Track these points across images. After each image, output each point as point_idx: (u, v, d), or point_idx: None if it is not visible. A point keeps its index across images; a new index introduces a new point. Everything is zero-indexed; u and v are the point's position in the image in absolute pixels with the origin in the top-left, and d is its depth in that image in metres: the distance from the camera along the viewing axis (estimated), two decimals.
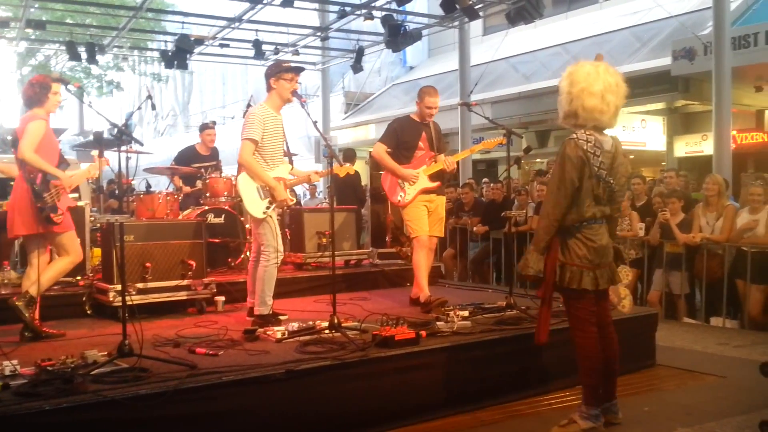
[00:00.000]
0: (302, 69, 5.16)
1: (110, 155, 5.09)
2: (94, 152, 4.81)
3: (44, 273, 4.65)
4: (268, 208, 4.94)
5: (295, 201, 5.20)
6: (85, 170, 4.92)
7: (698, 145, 14.09)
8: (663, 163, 14.90)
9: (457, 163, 6.11)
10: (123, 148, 5.06)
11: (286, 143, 5.25)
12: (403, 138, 5.67)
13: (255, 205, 4.93)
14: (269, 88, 5.05)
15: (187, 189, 7.48)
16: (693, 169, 12.40)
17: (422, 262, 5.68)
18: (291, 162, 5.28)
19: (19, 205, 4.56)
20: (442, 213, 5.90)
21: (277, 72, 5.01)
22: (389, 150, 5.67)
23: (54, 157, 4.67)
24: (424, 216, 5.67)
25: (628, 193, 8.05)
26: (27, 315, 4.50)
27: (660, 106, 13.96)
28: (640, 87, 13.15)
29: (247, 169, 4.96)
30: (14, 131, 4.69)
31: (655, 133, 15.13)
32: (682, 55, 11.81)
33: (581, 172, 3.57)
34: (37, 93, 4.64)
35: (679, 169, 10.74)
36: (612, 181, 3.65)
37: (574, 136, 3.67)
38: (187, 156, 7.81)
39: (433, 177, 5.69)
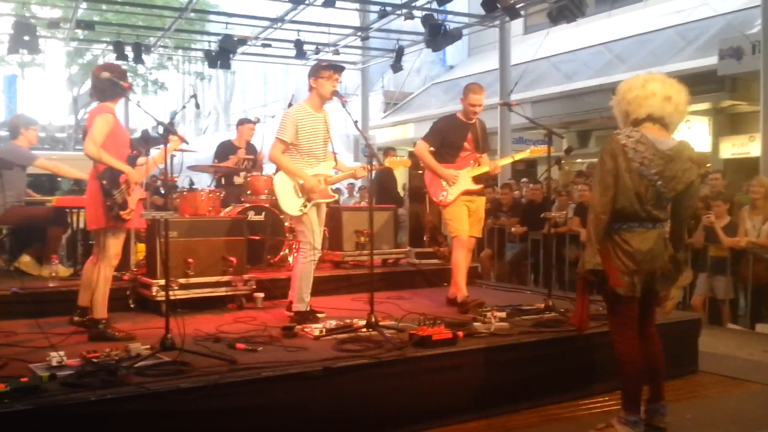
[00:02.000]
0: (342, 68, 5.20)
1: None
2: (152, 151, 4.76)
3: (94, 293, 4.54)
4: (305, 206, 4.97)
5: (336, 198, 5.21)
6: (152, 159, 4.77)
7: (745, 146, 13.73)
8: (708, 165, 14.58)
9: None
10: (170, 149, 5.15)
11: (332, 143, 5.31)
12: (449, 138, 5.69)
13: (291, 203, 4.98)
14: (310, 88, 5.12)
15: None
16: (739, 171, 12.10)
17: (461, 262, 5.70)
18: (335, 159, 5.29)
19: (90, 200, 4.52)
20: (482, 214, 5.91)
21: (317, 70, 5.06)
22: (432, 149, 5.69)
23: (123, 150, 4.57)
24: (465, 216, 5.69)
25: None
26: (109, 332, 4.47)
27: (705, 106, 13.64)
28: (685, 86, 12.90)
29: (278, 166, 5.06)
30: (84, 125, 4.67)
31: (700, 134, 14.79)
32: (729, 54, 11.53)
33: (615, 163, 3.51)
34: (110, 81, 4.45)
35: (725, 171, 10.50)
36: (659, 182, 3.52)
37: (617, 130, 3.64)
38: (225, 150, 7.94)
39: (476, 179, 5.71)
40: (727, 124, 14.46)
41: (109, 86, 4.47)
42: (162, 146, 4.27)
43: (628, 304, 3.61)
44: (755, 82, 10.57)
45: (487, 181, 5.93)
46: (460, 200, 5.66)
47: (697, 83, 12.65)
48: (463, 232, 5.68)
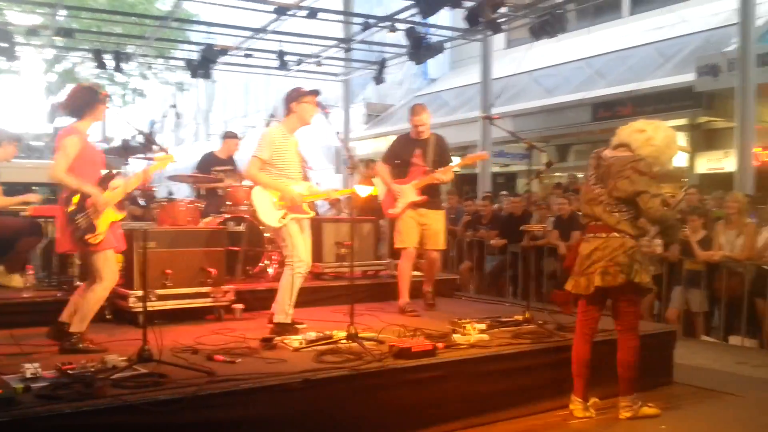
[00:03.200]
0: (319, 92, 5.31)
1: (135, 163, 5.13)
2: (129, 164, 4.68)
3: (81, 308, 4.44)
4: (284, 217, 5.00)
5: (312, 214, 5.25)
6: (125, 183, 4.65)
7: (719, 162, 13.97)
8: (684, 180, 14.79)
9: (456, 173, 6.30)
10: (148, 155, 5.12)
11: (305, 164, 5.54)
12: (400, 154, 6.17)
13: (269, 214, 5.03)
14: (289, 112, 5.18)
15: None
16: (714, 187, 12.29)
17: (405, 272, 6.12)
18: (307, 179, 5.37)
19: (59, 224, 4.47)
20: (438, 226, 6.13)
21: (300, 96, 5.14)
22: (388, 165, 6.16)
23: (93, 172, 4.48)
24: (412, 228, 6.05)
25: None
26: (81, 346, 4.38)
27: (683, 121, 13.85)
28: (663, 103, 13.08)
29: (255, 183, 5.14)
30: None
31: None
32: (706, 71, 11.73)
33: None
34: (85, 100, 4.42)
35: (701, 186, 10.66)
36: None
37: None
38: (207, 162, 7.91)
39: (422, 191, 5.99)
40: (703, 139, 14.69)
41: (86, 104, 4.42)
42: (144, 158, 4.24)
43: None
44: (731, 98, 10.76)
45: (437, 192, 6.19)
46: (408, 214, 6.00)
47: (675, 99, 12.89)
48: (409, 244, 6.04)
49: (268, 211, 5.03)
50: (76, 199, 4.34)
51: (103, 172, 4.59)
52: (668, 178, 15.16)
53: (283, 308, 5.01)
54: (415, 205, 6.01)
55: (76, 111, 4.47)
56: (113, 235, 4.52)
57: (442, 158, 6.09)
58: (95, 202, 4.36)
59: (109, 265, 4.49)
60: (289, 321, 5.02)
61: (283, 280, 5.03)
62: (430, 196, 6.08)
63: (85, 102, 4.44)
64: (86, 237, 4.32)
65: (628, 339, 4.27)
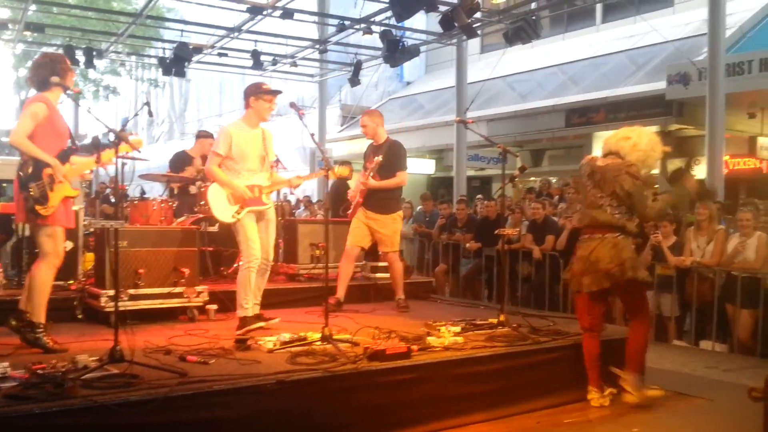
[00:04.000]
0: (280, 92, 5.36)
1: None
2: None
3: (32, 295, 4.29)
4: (238, 213, 5.07)
5: (269, 205, 5.27)
6: (88, 161, 4.57)
7: (691, 169, 14.21)
8: (656, 186, 14.99)
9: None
10: (120, 153, 5.04)
11: (277, 157, 5.63)
12: (365, 158, 6.47)
13: (223, 210, 5.11)
14: (247, 106, 5.24)
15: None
16: None
17: (342, 269, 6.32)
18: (272, 172, 5.38)
19: (15, 191, 4.32)
20: (385, 230, 6.29)
21: (258, 93, 5.20)
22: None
23: (57, 143, 4.33)
24: (355, 229, 6.34)
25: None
26: (43, 341, 4.25)
27: (654, 129, 14.01)
28: (634, 110, 13.29)
29: (212, 179, 5.24)
30: None
31: None
32: (676, 79, 11.95)
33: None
34: (49, 70, 4.29)
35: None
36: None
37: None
38: (179, 161, 7.82)
39: (363, 195, 6.32)
40: (674, 147, 14.93)
41: (52, 74, 4.29)
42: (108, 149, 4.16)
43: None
44: (701, 107, 10.97)
45: (380, 196, 6.33)
46: (357, 215, 6.36)
47: (646, 107, 13.10)
48: (349, 243, 6.33)
49: (222, 206, 5.12)
50: (31, 166, 4.20)
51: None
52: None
53: (241, 303, 5.07)
54: (360, 207, 6.31)
55: (42, 83, 4.35)
56: (65, 211, 4.37)
57: (389, 163, 6.21)
58: (53, 173, 4.23)
59: (54, 242, 4.33)
60: (249, 314, 5.05)
61: (238, 276, 5.13)
62: (378, 200, 6.25)
63: (50, 71, 4.32)
64: (37, 207, 4.19)
65: (637, 323, 4.71)
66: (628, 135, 4.59)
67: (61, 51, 14.85)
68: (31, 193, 4.19)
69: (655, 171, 4.88)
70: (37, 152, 4.21)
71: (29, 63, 23.32)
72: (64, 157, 4.35)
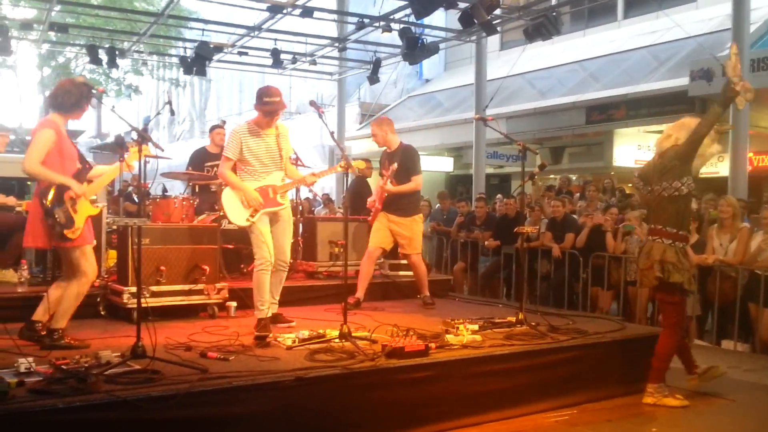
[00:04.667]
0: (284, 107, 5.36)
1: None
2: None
3: (61, 304, 4.37)
4: (252, 216, 5.10)
5: (285, 205, 5.29)
6: (106, 174, 4.66)
7: (714, 166, 14.04)
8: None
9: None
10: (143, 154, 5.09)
11: (295, 152, 5.58)
12: (380, 165, 6.59)
13: (238, 214, 5.15)
14: (257, 107, 5.20)
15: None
16: (709, 190, 12.36)
17: (363, 269, 6.43)
18: (287, 170, 5.39)
19: (32, 217, 4.37)
20: (407, 233, 6.38)
21: (261, 102, 5.13)
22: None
23: (69, 165, 4.40)
24: (377, 231, 6.41)
25: (638, 212, 8.04)
26: (63, 342, 4.32)
27: None
28: (657, 106, 13.16)
29: (225, 182, 5.29)
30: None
31: None
32: (699, 75, 11.80)
33: None
34: (76, 98, 4.37)
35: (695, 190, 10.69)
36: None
37: None
38: (199, 158, 7.89)
39: (382, 199, 6.41)
40: None
41: (76, 102, 4.37)
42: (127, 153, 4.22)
43: None
44: None
45: (400, 199, 6.41)
46: (379, 217, 6.44)
47: (668, 103, 12.96)
48: (371, 244, 6.42)
49: (236, 210, 5.15)
50: (52, 192, 4.24)
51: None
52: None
53: (256, 305, 5.10)
54: (382, 211, 6.40)
55: (62, 106, 4.40)
56: (89, 229, 4.46)
57: (405, 169, 6.29)
58: (74, 194, 4.28)
59: (88, 260, 4.43)
60: (263, 316, 5.06)
61: (253, 278, 5.16)
62: (398, 204, 6.34)
63: (76, 99, 4.38)
64: (65, 232, 4.25)
65: (664, 333, 4.81)
66: (669, 132, 4.72)
67: (84, 51, 15.06)
68: (57, 219, 4.23)
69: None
70: (53, 176, 4.25)
71: (53, 63, 23.73)
72: (78, 179, 4.41)
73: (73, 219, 4.30)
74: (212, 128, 8.24)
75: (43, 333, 4.35)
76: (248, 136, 5.18)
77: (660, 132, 5.09)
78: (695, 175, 4.71)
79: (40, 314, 4.41)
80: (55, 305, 4.40)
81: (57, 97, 4.42)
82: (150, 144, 4.26)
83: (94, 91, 4.51)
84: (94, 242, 4.69)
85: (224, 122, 8.46)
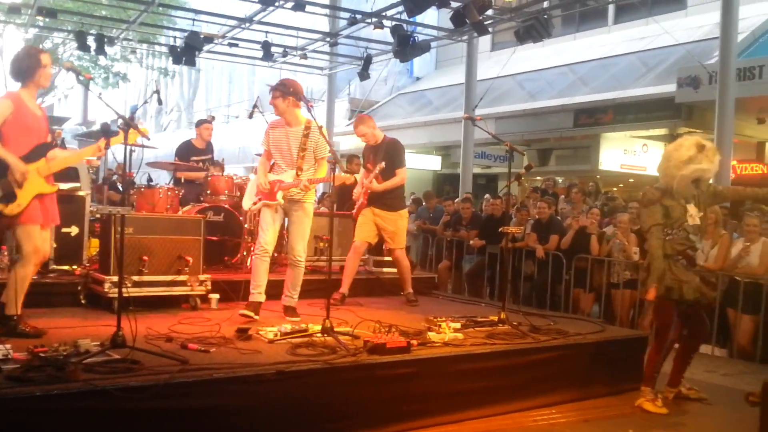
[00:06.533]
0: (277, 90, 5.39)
1: (116, 147, 5.02)
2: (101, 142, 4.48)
3: (8, 288, 4.22)
4: (254, 204, 5.45)
5: (280, 203, 5.31)
6: (74, 155, 4.52)
7: None
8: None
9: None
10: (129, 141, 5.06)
11: (330, 151, 5.63)
12: (364, 160, 6.70)
13: (248, 198, 5.59)
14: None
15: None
16: None
17: (348, 263, 6.45)
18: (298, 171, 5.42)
19: None
20: (391, 227, 6.42)
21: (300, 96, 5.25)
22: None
23: (28, 139, 4.21)
24: (362, 225, 6.45)
25: (627, 216, 8.10)
26: (20, 328, 4.20)
27: (662, 131, 14.03)
28: (644, 112, 13.25)
29: None
30: None
31: (656, 159, 15.14)
32: (687, 82, 11.89)
33: None
34: (25, 65, 4.21)
35: None
36: None
37: None
38: (185, 151, 7.86)
39: (367, 195, 6.42)
40: None
41: (26, 69, 4.22)
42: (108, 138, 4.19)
43: None
44: (710, 111, 10.92)
45: (385, 195, 6.42)
46: (364, 211, 6.44)
47: (656, 109, 13.05)
48: (356, 238, 6.46)
49: (249, 194, 5.57)
50: None
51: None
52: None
53: (250, 289, 5.34)
54: (368, 205, 6.42)
55: (17, 74, 4.28)
56: (42, 209, 4.27)
57: (388, 161, 6.30)
58: (12, 171, 4.10)
59: (30, 241, 4.21)
60: (253, 300, 5.28)
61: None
62: (383, 200, 6.38)
63: (25, 66, 4.24)
64: (2, 207, 4.09)
65: (654, 340, 4.97)
66: (665, 154, 4.81)
67: (71, 37, 14.89)
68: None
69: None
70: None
71: (40, 47, 23.42)
72: (39, 153, 4.25)
73: (15, 194, 4.11)
74: (200, 122, 8.21)
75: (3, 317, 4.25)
76: (274, 130, 5.42)
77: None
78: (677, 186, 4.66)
79: (4, 296, 4.31)
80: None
81: (11, 65, 4.30)
82: (135, 130, 4.22)
83: (81, 77, 4.45)
84: (53, 224, 4.55)
85: (213, 117, 8.43)
